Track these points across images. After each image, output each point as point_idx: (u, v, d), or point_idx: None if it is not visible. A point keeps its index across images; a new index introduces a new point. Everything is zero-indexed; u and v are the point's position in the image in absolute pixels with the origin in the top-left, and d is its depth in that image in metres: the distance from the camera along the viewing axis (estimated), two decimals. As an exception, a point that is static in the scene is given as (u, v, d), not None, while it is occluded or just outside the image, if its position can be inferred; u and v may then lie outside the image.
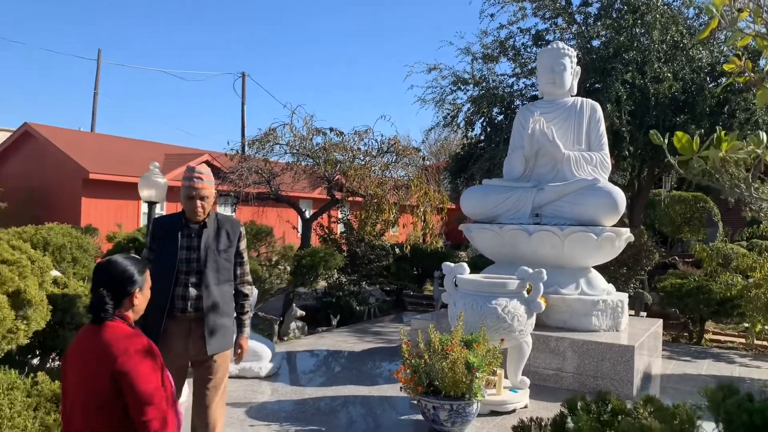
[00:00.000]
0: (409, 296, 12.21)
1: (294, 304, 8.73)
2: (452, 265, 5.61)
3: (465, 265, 5.61)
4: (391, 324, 9.59)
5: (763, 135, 2.74)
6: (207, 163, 16.87)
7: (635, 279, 9.75)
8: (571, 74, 7.42)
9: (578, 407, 1.94)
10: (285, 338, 8.25)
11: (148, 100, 72.93)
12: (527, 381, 5.53)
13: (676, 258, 14.32)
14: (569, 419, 1.98)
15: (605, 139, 7.31)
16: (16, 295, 3.71)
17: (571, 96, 7.50)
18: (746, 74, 3.34)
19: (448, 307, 5.63)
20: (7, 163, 18.13)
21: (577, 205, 6.64)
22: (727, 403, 1.64)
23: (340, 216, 11.09)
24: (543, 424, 2.04)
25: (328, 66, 79.32)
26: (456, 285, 5.56)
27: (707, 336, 9.73)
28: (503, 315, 5.13)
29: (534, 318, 5.39)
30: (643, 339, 6.17)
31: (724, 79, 10.97)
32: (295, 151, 9.22)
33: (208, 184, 3.39)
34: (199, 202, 3.33)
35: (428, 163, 10.87)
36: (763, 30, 3.14)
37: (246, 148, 9.88)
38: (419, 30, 75.17)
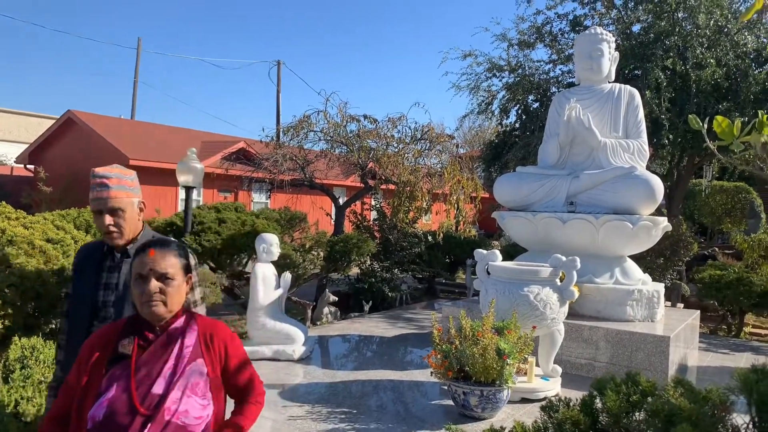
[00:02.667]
0: (441, 284, 12.22)
1: (327, 290, 8.84)
2: (484, 252, 5.60)
3: (497, 252, 5.60)
4: (422, 311, 9.63)
5: (807, 119, 2.66)
6: (242, 150, 17.06)
7: (672, 270, 9.57)
8: (609, 60, 7.28)
9: (607, 388, 1.94)
10: (318, 323, 8.37)
11: (187, 88, 74.15)
12: (559, 369, 5.50)
13: (716, 249, 13.97)
14: (598, 400, 1.98)
15: (643, 127, 7.16)
16: (60, 272, 3.87)
17: (609, 82, 7.37)
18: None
19: (479, 294, 5.63)
20: (51, 150, 18.73)
21: (612, 194, 6.54)
22: (760, 385, 1.62)
23: (373, 203, 11.14)
24: (571, 404, 2.05)
25: (363, 53, 79.14)
26: (488, 272, 5.55)
27: (746, 329, 9.50)
28: (535, 302, 5.10)
29: (566, 306, 5.35)
30: (678, 330, 6.06)
31: (769, 65, 10.60)
32: (329, 138, 9.28)
33: (120, 192, 2.32)
34: (108, 219, 2.29)
35: (462, 151, 10.80)
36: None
37: (281, 135, 9.98)
38: (455, 15, 74.24)
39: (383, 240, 9.86)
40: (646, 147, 7.10)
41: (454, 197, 8.22)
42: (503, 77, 13.40)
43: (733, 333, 9.12)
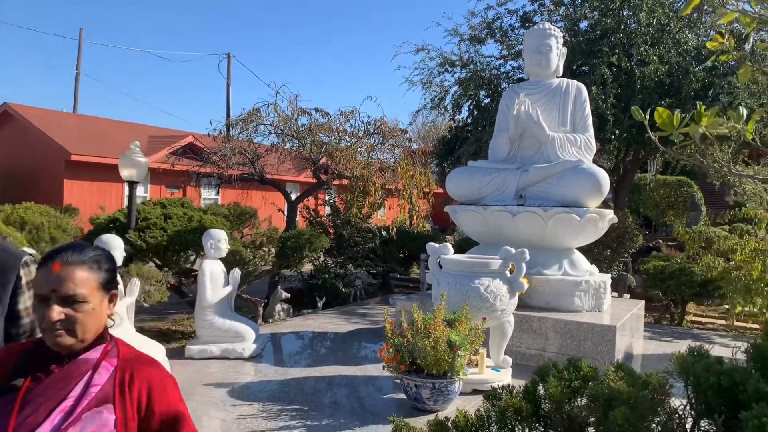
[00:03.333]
0: (395, 279, 12.23)
1: (279, 287, 8.71)
2: (436, 245, 5.61)
3: (449, 245, 5.61)
4: (377, 306, 9.61)
5: (743, 110, 2.74)
6: (191, 145, 16.66)
7: (619, 261, 9.83)
8: (557, 55, 7.40)
9: (550, 375, 1.95)
10: (270, 320, 8.23)
11: (134, 81, 71.99)
12: (509, 360, 5.56)
13: (660, 241, 14.45)
14: (540, 387, 1.98)
15: (590, 121, 7.31)
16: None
17: (557, 77, 7.49)
18: (729, 53, 3.33)
19: (432, 288, 5.63)
20: (-13, 145, 17.84)
21: (560, 187, 6.65)
22: (696, 367, 1.64)
23: (326, 199, 11.05)
24: (514, 392, 2.04)
25: (315, 47, 78.51)
26: (440, 265, 5.56)
27: (688, 317, 9.86)
28: (486, 294, 5.14)
29: (516, 298, 5.40)
30: (625, 319, 6.22)
31: (709, 63, 10.99)
32: (279, 132, 9.13)
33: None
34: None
35: (416, 146, 10.82)
36: (747, 7, 3.13)
37: (230, 128, 9.77)
38: (408, 9, 74.43)
39: (337, 235, 9.79)
40: (593, 141, 7.25)
41: (408, 192, 8.22)
42: (455, 72, 13.50)
43: (676, 322, 9.45)
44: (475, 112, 13.42)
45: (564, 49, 7.53)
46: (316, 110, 9.20)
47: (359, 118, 9.25)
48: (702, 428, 1.63)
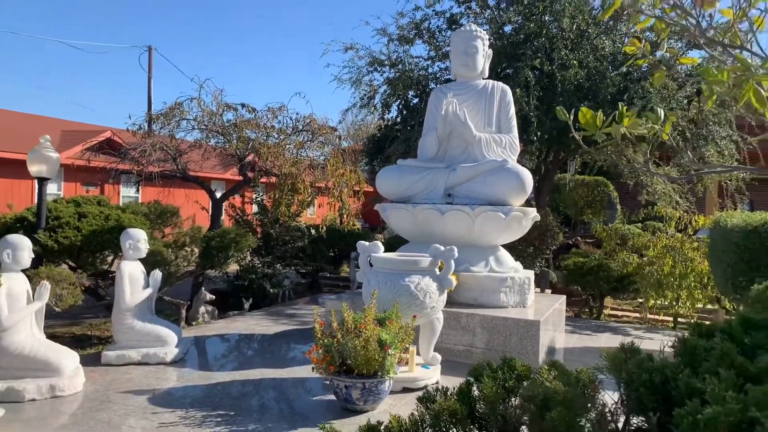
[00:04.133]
0: (325, 278, 12.11)
1: (203, 288, 8.42)
2: (367, 243, 5.57)
3: (379, 243, 5.59)
4: (306, 306, 9.47)
5: (660, 111, 2.85)
6: (108, 140, 15.86)
7: (541, 258, 10.16)
8: (483, 57, 7.54)
9: (484, 375, 1.95)
10: (194, 323, 7.93)
11: (46, 73, 67.80)
12: (439, 357, 5.61)
13: (579, 238, 15.08)
14: (475, 387, 1.98)
15: (514, 122, 7.50)
16: None
17: (483, 79, 7.63)
18: (645, 57, 3.47)
19: (362, 287, 5.59)
20: None
21: (487, 186, 6.78)
22: (628, 364, 1.68)
23: (253, 197, 10.77)
24: (448, 393, 2.03)
25: (243, 42, 76.85)
26: (371, 264, 5.53)
27: (606, 311, 10.33)
28: (416, 292, 5.15)
29: (445, 295, 5.45)
30: (548, 314, 6.42)
31: (624, 68, 11.56)
32: (203, 127, 8.81)
33: None
34: None
35: (345, 144, 10.74)
36: (663, 14, 3.27)
37: (151, 123, 9.33)
38: (338, 7, 74.05)
39: (264, 234, 9.56)
40: (517, 141, 7.45)
41: (338, 190, 8.14)
42: (384, 72, 13.55)
43: (595, 315, 9.88)
44: (404, 112, 13.52)
45: (490, 51, 7.68)
46: (243, 106, 8.95)
47: (288, 114, 9.07)
48: (634, 425, 1.67)
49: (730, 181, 11.87)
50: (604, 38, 11.28)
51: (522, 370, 1.94)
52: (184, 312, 7.69)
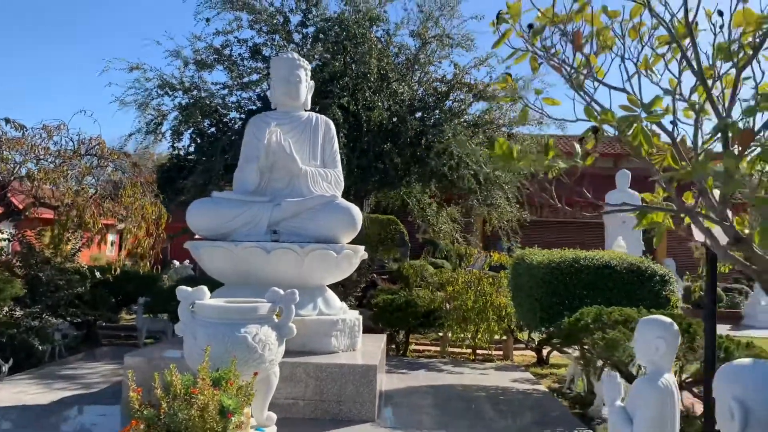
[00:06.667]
0: (101, 327, 10.37)
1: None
2: (189, 289, 4.73)
3: (205, 288, 4.79)
4: (84, 364, 7.90)
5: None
6: None
7: (351, 296, 10.00)
8: (306, 87, 7.23)
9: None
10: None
11: None
12: (274, 417, 4.95)
13: (375, 275, 15.40)
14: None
15: (339, 157, 7.28)
16: None
17: (306, 110, 7.29)
18: (514, 96, 3.45)
19: (184, 341, 4.69)
20: None
21: (316, 222, 6.38)
22: None
23: (11, 232, 8.78)
24: None
25: (14, 56, 65.36)
26: (193, 313, 4.69)
27: (411, 347, 10.50)
28: (254, 344, 4.47)
29: (284, 345, 4.86)
30: (380, 357, 6.17)
31: (419, 114, 12.24)
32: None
33: None
34: None
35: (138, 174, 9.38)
36: (539, 51, 3.27)
37: None
38: (124, 24, 67.33)
39: (30, 279, 7.78)
40: (342, 177, 7.22)
41: (134, 225, 6.95)
42: (176, 97, 12.46)
43: (401, 352, 9.95)
44: (198, 141, 12.54)
45: (312, 83, 7.40)
46: (7, 121, 7.25)
47: (68, 134, 7.59)
48: None
49: (507, 221, 13.07)
50: (403, 84, 11.79)
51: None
52: None
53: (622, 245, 11.37)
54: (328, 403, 5.62)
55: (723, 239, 3.21)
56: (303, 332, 6.07)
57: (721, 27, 2.85)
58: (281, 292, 4.75)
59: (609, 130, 2.84)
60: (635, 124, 2.74)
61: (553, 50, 3.14)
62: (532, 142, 11.96)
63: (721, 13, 2.86)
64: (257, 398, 4.85)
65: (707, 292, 4.49)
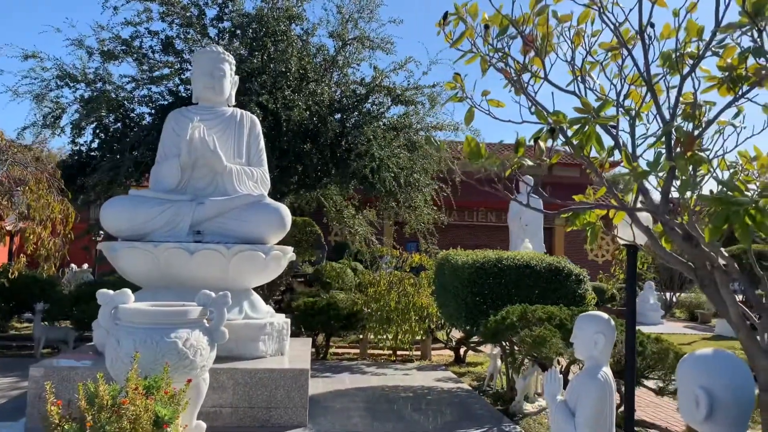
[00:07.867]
0: (-9, 338, 9.44)
1: None
2: (111, 292, 4.40)
3: (128, 291, 4.47)
4: (-26, 378, 7.13)
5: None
6: None
7: (271, 300, 9.74)
8: (230, 82, 6.97)
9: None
10: None
11: None
12: (203, 426, 4.69)
13: (291, 278, 15.11)
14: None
15: (264, 156, 7.06)
16: None
17: (230, 106, 7.02)
18: (463, 96, 3.48)
19: (106, 349, 4.34)
20: None
21: (242, 222, 6.14)
22: None
23: None
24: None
25: None
26: (116, 319, 4.35)
27: (331, 350, 10.38)
28: (185, 350, 4.22)
29: (215, 351, 4.62)
30: (309, 361, 6.04)
31: (338, 115, 12.15)
32: None
33: None
34: None
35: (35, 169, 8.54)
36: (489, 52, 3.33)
37: None
38: (16, 4, 61.43)
39: None
40: (268, 176, 7.01)
41: (38, 225, 6.33)
42: (78, 89, 11.63)
43: (322, 355, 9.81)
44: (103, 136, 11.76)
45: (237, 78, 7.14)
46: None
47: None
48: None
49: (424, 223, 13.26)
50: (323, 85, 11.65)
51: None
52: None
53: (528, 247, 11.91)
54: (257, 409, 5.41)
55: (643, 239, 3.42)
56: (230, 337, 5.79)
57: (651, 39, 3.03)
58: (212, 294, 4.52)
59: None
60: (588, 126, 2.85)
61: (500, 54, 3.21)
62: (449, 147, 12.22)
63: (653, 25, 3.05)
64: (187, 407, 4.59)
65: (628, 290, 4.77)
